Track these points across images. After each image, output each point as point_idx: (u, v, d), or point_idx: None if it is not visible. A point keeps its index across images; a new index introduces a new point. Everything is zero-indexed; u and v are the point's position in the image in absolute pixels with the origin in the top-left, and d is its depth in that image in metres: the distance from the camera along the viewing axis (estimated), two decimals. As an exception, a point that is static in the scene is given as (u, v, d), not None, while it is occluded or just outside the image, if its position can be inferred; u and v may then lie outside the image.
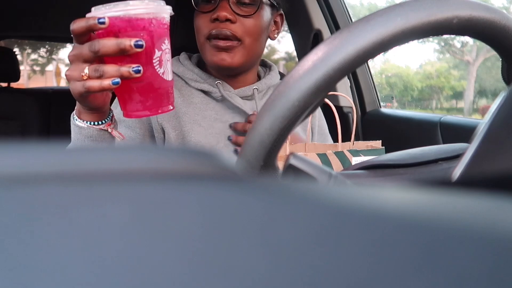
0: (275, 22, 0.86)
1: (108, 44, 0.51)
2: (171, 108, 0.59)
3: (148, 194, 0.11)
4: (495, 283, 0.09)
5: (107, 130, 0.62)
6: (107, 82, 0.51)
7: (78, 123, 0.61)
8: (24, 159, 0.12)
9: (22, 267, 0.09)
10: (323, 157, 0.64)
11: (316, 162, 0.34)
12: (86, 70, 0.53)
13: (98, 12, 0.51)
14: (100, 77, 0.52)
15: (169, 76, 0.57)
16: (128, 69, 0.51)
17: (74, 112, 0.62)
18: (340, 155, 0.66)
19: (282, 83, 0.34)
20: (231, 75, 0.84)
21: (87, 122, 0.60)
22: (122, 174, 0.12)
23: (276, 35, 0.87)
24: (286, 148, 0.66)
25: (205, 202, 0.11)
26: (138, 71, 0.51)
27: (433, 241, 0.10)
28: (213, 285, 0.09)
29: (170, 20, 0.59)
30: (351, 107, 1.42)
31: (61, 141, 0.13)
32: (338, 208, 0.12)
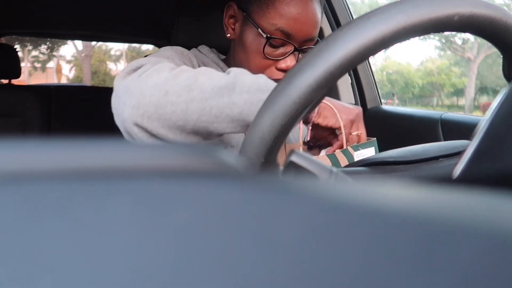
0: None
1: None
2: None
3: (149, 191, 0.11)
4: (495, 281, 0.09)
5: None
6: None
7: None
8: (25, 156, 0.12)
9: (23, 265, 0.09)
10: (332, 157, 0.64)
11: (317, 159, 0.34)
12: None
13: None
14: None
15: None
16: None
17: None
18: (345, 152, 0.66)
19: (283, 80, 0.34)
20: None
21: None
22: (123, 170, 0.12)
23: None
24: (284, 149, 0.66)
25: (205, 199, 0.11)
26: None
27: (433, 239, 0.10)
28: (214, 281, 0.09)
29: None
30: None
31: (62, 138, 0.13)
32: (339, 205, 0.12)
